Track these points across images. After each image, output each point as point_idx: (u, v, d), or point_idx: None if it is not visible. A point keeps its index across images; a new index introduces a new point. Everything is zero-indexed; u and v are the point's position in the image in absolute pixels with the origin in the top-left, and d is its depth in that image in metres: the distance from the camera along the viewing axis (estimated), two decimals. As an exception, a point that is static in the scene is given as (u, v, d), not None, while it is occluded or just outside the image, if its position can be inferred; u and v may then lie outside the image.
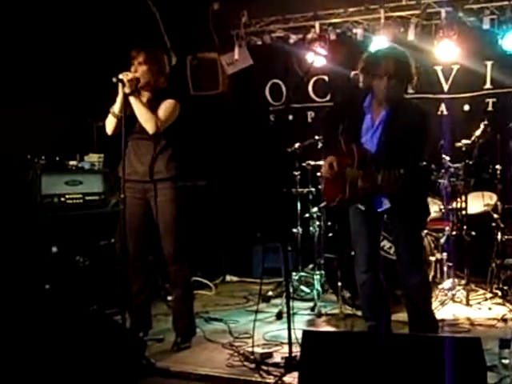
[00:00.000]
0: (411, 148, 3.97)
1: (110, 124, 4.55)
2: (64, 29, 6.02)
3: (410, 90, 4.42)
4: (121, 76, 4.33)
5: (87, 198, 5.59)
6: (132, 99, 4.41)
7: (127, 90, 4.36)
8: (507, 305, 5.37)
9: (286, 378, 3.87)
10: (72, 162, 5.60)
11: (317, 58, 6.74)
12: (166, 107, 4.50)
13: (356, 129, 4.22)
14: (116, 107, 4.47)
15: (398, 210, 4.13)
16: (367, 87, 4.20)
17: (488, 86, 6.65)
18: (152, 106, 4.48)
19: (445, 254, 5.70)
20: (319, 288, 5.77)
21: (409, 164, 3.85)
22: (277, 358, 4.21)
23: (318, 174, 5.58)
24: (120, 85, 4.35)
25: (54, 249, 5.20)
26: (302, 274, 6.12)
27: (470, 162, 5.63)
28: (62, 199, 5.41)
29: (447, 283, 5.66)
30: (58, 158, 5.51)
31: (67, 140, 6.12)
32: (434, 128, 4.24)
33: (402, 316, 4.52)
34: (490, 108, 6.62)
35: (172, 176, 4.55)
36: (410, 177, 3.83)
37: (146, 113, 4.42)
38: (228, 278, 7.15)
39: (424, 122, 4.12)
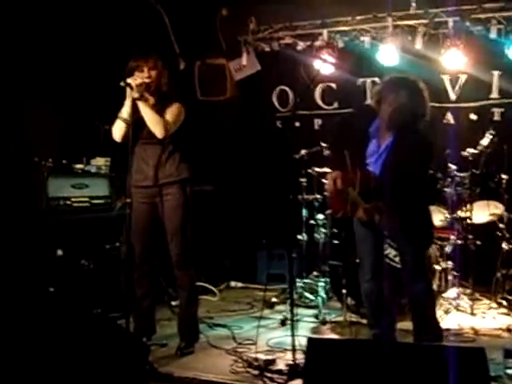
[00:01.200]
0: (408, 176, 4.01)
1: (119, 130, 4.49)
2: (73, 33, 6.05)
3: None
4: (129, 80, 4.33)
5: (93, 201, 5.61)
6: (140, 104, 4.40)
7: (135, 95, 4.35)
8: (512, 315, 5.37)
9: (290, 385, 3.88)
10: (78, 166, 5.63)
11: (324, 65, 6.74)
12: (172, 110, 4.50)
13: (361, 150, 4.26)
14: (124, 112, 4.44)
15: (403, 224, 4.13)
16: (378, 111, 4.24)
17: (495, 95, 6.65)
18: (157, 110, 4.47)
19: (450, 262, 5.69)
20: (324, 295, 5.76)
21: (409, 190, 3.99)
22: (280, 365, 4.19)
23: (324, 180, 5.58)
24: (128, 89, 4.35)
25: (59, 252, 5.21)
26: (307, 280, 6.11)
27: (477, 171, 5.63)
28: (68, 202, 5.43)
29: (452, 292, 5.65)
30: (64, 161, 5.52)
31: (74, 143, 6.12)
32: (435, 151, 4.26)
33: (407, 324, 4.50)
34: (496, 117, 6.61)
35: (183, 178, 4.54)
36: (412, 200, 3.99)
37: (154, 117, 4.42)
38: (232, 283, 7.12)
39: (422, 152, 4.11)
